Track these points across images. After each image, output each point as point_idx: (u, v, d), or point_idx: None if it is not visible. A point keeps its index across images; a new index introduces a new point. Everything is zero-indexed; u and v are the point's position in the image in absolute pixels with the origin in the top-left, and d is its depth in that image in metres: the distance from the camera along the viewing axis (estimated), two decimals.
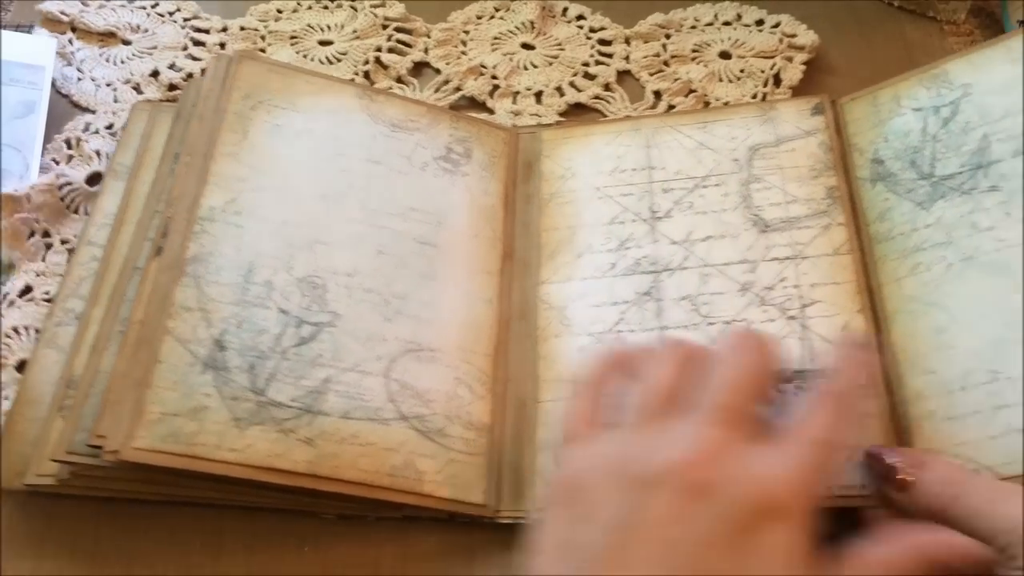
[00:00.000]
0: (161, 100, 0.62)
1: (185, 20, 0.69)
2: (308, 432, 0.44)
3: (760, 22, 0.69)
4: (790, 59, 0.66)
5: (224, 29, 0.69)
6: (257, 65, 0.54)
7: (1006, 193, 0.48)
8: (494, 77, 0.66)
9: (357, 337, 0.47)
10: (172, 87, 0.64)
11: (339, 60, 0.67)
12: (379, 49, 0.67)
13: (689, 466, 0.34)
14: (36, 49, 0.62)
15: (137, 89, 0.64)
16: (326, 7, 0.70)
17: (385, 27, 0.69)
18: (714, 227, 0.53)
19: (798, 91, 0.64)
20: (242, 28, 0.69)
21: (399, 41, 0.68)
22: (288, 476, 0.43)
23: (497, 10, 0.71)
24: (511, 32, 0.70)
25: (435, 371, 0.48)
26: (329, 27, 0.69)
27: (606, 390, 0.41)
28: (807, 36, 0.67)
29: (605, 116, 0.64)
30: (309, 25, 0.69)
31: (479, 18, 0.71)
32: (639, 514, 0.33)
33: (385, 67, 0.67)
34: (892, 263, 0.50)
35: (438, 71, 0.67)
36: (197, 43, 0.68)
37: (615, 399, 0.40)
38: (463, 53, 0.68)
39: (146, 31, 0.68)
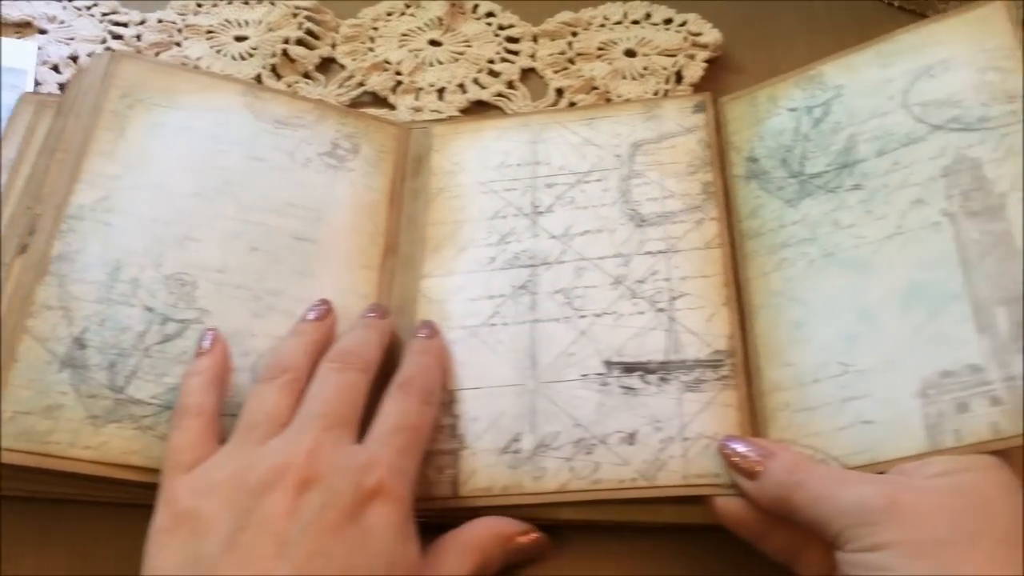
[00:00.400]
0: (49, 93, 0.62)
1: (104, 15, 0.69)
2: (167, 429, 0.44)
3: (668, 21, 0.70)
4: (692, 57, 0.67)
5: (142, 22, 0.69)
6: (137, 64, 0.54)
7: (868, 192, 0.49)
8: (398, 73, 0.67)
9: (224, 333, 0.47)
10: None
11: (251, 55, 0.67)
12: (287, 41, 0.67)
13: (295, 467, 0.38)
14: (16, 53, 0.63)
15: (56, 69, 0.64)
16: (246, 2, 0.70)
17: (296, 15, 0.69)
18: (592, 222, 0.53)
19: (700, 89, 0.64)
20: (160, 21, 0.69)
21: (308, 32, 0.68)
22: (142, 473, 0.43)
23: (408, 6, 0.71)
24: (420, 29, 0.70)
25: None
26: (247, 22, 0.69)
27: (210, 414, 0.43)
28: (711, 35, 0.67)
29: (507, 114, 0.64)
30: (227, 20, 0.69)
31: (389, 15, 0.71)
32: (252, 517, 0.37)
33: (293, 61, 0.67)
34: (760, 258, 0.50)
35: (344, 68, 0.67)
36: (116, 36, 0.68)
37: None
38: (370, 49, 0.68)
39: (62, 22, 0.68)
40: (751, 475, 0.42)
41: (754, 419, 0.45)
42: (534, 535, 0.45)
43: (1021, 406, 0.40)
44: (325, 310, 0.48)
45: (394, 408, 0.43)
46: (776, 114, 0.55)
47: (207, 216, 0.50)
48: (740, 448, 0.43)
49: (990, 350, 0.42)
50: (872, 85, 0.52)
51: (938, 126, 0.49)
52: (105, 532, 0.46)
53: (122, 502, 0.45)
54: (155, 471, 0.43)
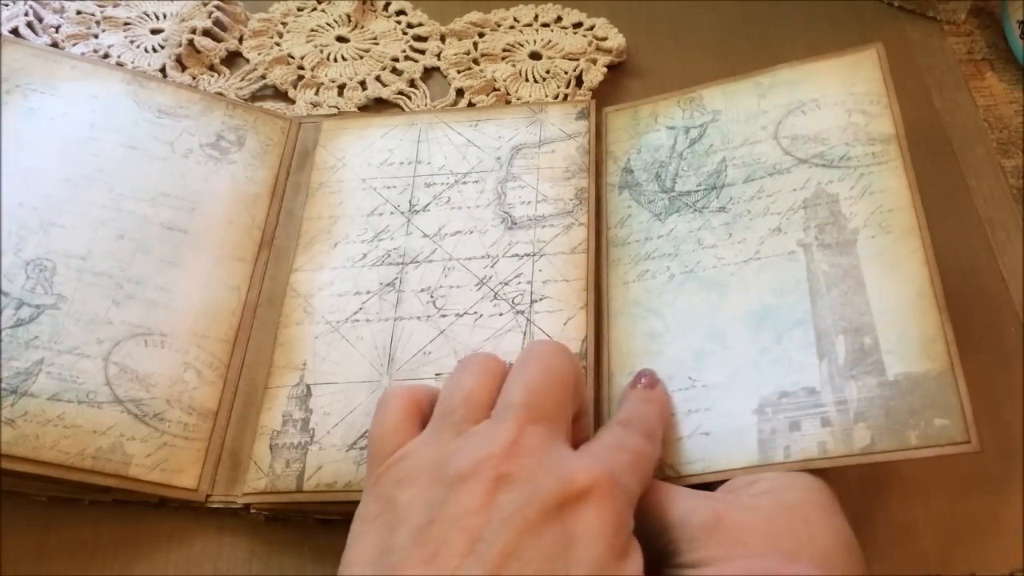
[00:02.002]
0: None
1: (26, 1, 0.69)
2: (10, 413, 0.44)
3: (578, 25, 0.70)
4: (594, 61, 0.67)
5: (62, 12, 0.69)
6: (20, 50, 0.55)
7: (732, 215, 0.50)
8: (300, 68, 0.67)
9: (79, 320, 0.47)
10: None
11: (163, 48, 0.68)
12: (195, 31, 0.67)
13: (493, 460, 0.34)
14: None
15: None
16: None
17: (206, 4, 0.69)
18: (465, 222, 0.54)
19: (599, 94, 0.65)
20: (78, 12, 0.69)
21: (217, 23, 0.68)
22: None
23: (319, 2, 0.71)
24: (329, 25, 0.70)
25: (162, 356, 0.48)
26: (164, 15, 0.69)
27: (410, 397, 0.40)
28: (615, 39, 0.68)
29: (401, 111, 0.65)
30: (145, 13, 0.70)
31: (300, 10, 0.71)
32: (445, 509, 0.33)
33: (199, 52, 0.67)
34: (624, 267, 0.51)
35: (249, 61, 0.68)
36: (37, 17, 0.68)
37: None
38: (277, 44, 0.69)
39: None
40: None
41: (599, 424, 0.46)
42: None
43: (849, 428, 0.42)
44: None
45: (616, 433, 0.40)
46: (655, 130, 0.56)
47: (75, 203, 0.51)
48: None
49: (827, 375, 0.43)
50: (748, 114, 0.54)
51: (803, 160, 0.50)
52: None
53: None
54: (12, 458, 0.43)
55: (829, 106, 0.52)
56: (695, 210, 0.51)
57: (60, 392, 0.46)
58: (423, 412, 0.40)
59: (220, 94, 0.62)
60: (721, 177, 0.52)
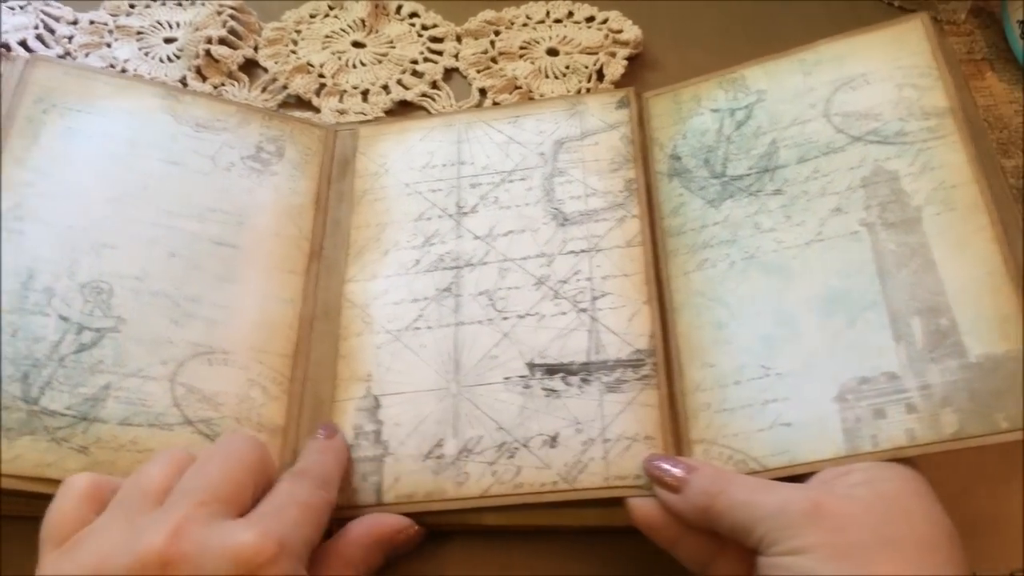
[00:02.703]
0: None
1: (38, 10, 0.68)
2: (83, 440, 0.43)
3: (591, 19, 0.70)
4: (613, 55, 0.67)
5: (75, 22, 0.68)
6: (52, 68, 0.53)
7: (788, 197, 0.50)
8: (321, 76, 0.66)
9: (142, 342, 0.47)
10: None
11: (178, 58, 0.67)
12: (210, 40, 0.66)
13: (162, 548, 0.34)
14: None
15: None
16: (180, 3, 0.70)
17: (220, 13, 0.68)
18: (516, 222, 0.53)
19: (620, 87, 0.65)
20: (92, 22, 0.68)
21: (232, 31, 0.68)
22: (57, 486, 0.42)
23: (331, 8, 0.71)
24: (343, 30, 0.70)
25: (226, 373, 0.48)
26: (178, 24, 0.68)
27: (92, 491, 0.39)
28: (631, 31, 0.68)
29: (431, 114, 0.64)
30: (158, 22, 0.69)
31: (312, 17, 0.71)
32: None
33: (216, 61, 0.66)
34: (682, 257, 0.51)
35: (267, 71, 0.67)
36: (49, 29, 0.67)
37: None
38: (293, 52, 0.68)
39: None
40: (675, 488, 0.42)
41: (675, 419, 0.46)
42: (412, 531, 0.45)
43: (936, 414, 0.41)
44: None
45: (285, 488, 0.40)
46: (699, 113, 0.55)
47: (124, 222, 0.50)
48: (664, 464, 0.43)
49: (906, 359, 0.43)
50: (794, 92, 0.53)
51: (857, 137, 0.50)
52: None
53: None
54: None
55: (878, 81, 0.51)
56: (749, 194, 0.51)
57: (130, 416, 0.45)
58: (104, 500, 0.38)
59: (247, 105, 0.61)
60: (773, 159, 0.51)
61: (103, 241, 0.49)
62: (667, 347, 0.48)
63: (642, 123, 0.56)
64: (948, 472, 0.44)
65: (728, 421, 0.45)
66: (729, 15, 0.70)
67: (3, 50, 0.64)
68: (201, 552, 0.34)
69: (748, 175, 0.52)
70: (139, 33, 0.68)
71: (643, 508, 0.43)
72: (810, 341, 0.45)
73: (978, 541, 0.44)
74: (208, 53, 0.66)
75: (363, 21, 0.70)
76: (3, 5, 0.68)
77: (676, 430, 0.46)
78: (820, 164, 0.50)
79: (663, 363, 0.47)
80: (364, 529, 0.43)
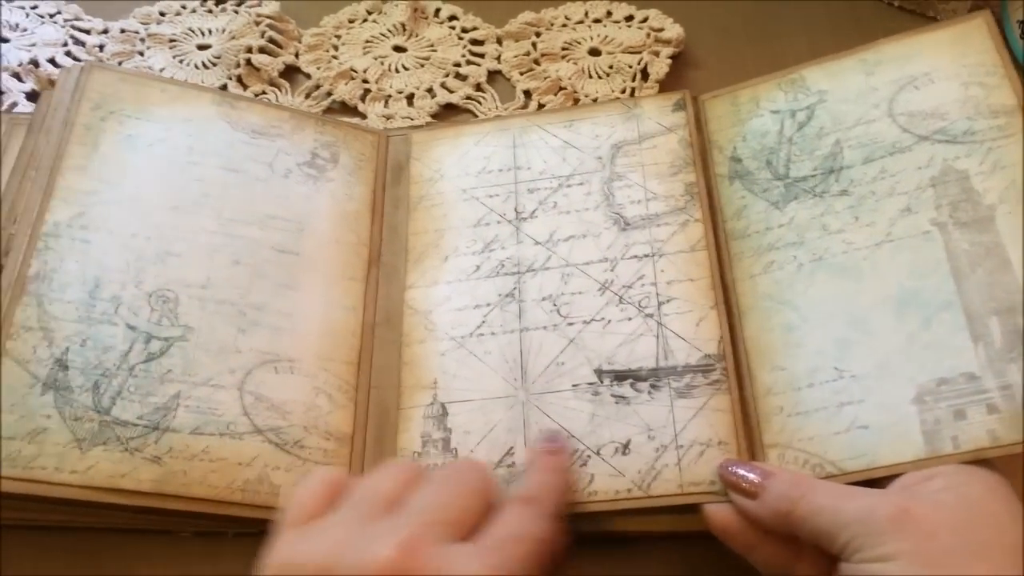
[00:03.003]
0: (21, 111, 0.61)
1: (66, 20, 0.68)
2: (155, 450, 0.43)
3: (630, 18, 0.70)
4: (657, 54, 0.67)
5: (105, 31, 0.68)
6: (108, 75, 0.53)
7: (855, 198, 0.49)
8: (365, 81, 0.66)
9: (209, 350, 0.46)
10: (52, 82, 0.63)
11: (214, 65, 0.66)
12: (250, 50, 0.66)
13: (392, 558, 0.34)
14: None
15: (18, 78, 0.63)
16: (210, 11, 0.69)
17: (258, 24, 0.68)
18: (576, 226, 0.53)
19: (665, 85, 0.65)
20: (122, 31, 0.68)
21: (271, 40, 0.67)
22: (133, 496, 0.42)
23: (369, 13, 0.71)
24: (383, 35, 0.69)
25: (293, 381, 0.47)
26: (210, 31, 0.68)
27: (339, 489, 0.39)
28: (673, 30, 0.68)
29: (476, 117, 0.64)
30: (190, 29, 0.68)
31: (351, 22, 0.70)
32: None
33: (257, 70, 0.66)
34: (747, 260, 0.50)
35: (309, 76, 0.67)
36: (78, 42, 0.67)
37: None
38: (334, 57, 0.68)
39: (25, 30, 0.66)
40: (752, 494, 0.42)
41: (747, 423, 0.45)
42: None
43: (1018, 414, 0.41)
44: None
45: (515, 518, 0.38)
46: (759, 115, 0.55)
47: (186, 230, 0.49)
48: (740, 470, 0.43)
49: (985, 359, 0.42)
50: (856, 92, 0.52)
51: (924, 137, 0.49)
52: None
53: (114, 527, 0.44)
54: (145, 494, 0.42)
55: (943, 79, 0.51)
56: (815, 195, 0.50)
57: (201, 425, 0.44)
58: (339, 497, 0.39)
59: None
60: (838, 160, 0.51)
61: (167, 249, 0.48)
62: (736, 351, 0.48)
63: (699, 125, 0.56)
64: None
65: (802, 425, 0.44)
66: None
67: (31, 67, 0.64)
68: (427, 570, 0.34)
69: (812, 176, 0.51)
70: (172, 41, 0.68)
71: (720, 514, 0.43)
72: (884, 343, 0.45)
73: None
74: (248, 62, 0.66)
75: (403, 25, 0.69)
76: (33, 12, 0.68)
77: (749, 434, 0.45)
78: (887, 164, 0.49)
79: (733, 367, 0.47)
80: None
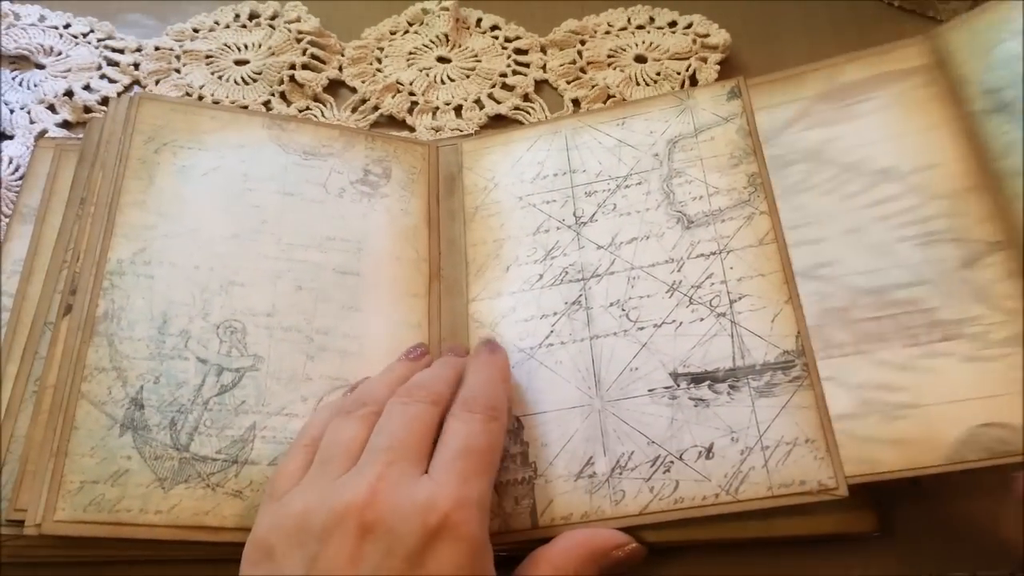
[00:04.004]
0: (69, 134, 0.61)
1: (99, 40, 0.68)
2: (236, 484, 0.43)
3: (673, 24, 0.69)
4: (704, 60, 0.66)
5: (139, 49, 0.68)
6: (158, 105, 0.53)
7: None
8: (412, 94, 0.65)
9: (280, 379, 0.46)
10: (87, 109, 0.63)
11: (254, 80, 0.66)
12: (293, 66, 0.66)
13: (356, 509, 0.37)
14: None
15: (52, 109, 0.63)
16: (244, 26, 0.69)
17: (299, 40, 0.68)
18: (639, 228, 0.52)
19: None
20: (157, 48, 0.68)
21: (313, 56, 0.67)
22: (217, 532, 0.42)
23: (411, 24, 0.70)
24: (426, 46, 0.69)
25: None
26: (246, 46, 0.68)
27: (311, 453, 0.42)
28: (719, 35, 0.66)
29: (532, 123, 0.63)
30: (226, 44, 0.68)
31: (392, 34, 0.70)
32: (319, 564, 0.36)
33: (300, 85, 0.66)
34: None
35: (354, 90, 0.66)
36: (112, 63, 0.67)
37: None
38: (378, 70, 0.67)
39: (59, 54, 0.66)
40: None
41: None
42: (632, 547, 0.43)
43: None
44: (421, 351, 0.48)
45: (458, 429, 0.41)
46: (1007, 40, 0.49)
47: (248, 258, 0.49)
48: None
49: None
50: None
51: None
52: None
53: (196, 559, 0.44)
54: (230, 530, 0.42)
55: None
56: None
57: (279, 456, 0.44)
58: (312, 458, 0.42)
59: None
60: None
61: (230, 279, 0.48)
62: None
63: (943, 63, 0.51)
64: None
65: None
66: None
67: (66, 98, 0.63)
68: (393, 515, 0.37)
69: None
70: (208, 57, 0.68)
71: None
72: None
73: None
74: (292, 78, 0.66)
75: (445, 36, 0.69)
76: (66, 32, 0.68)
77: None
78: None
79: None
80: (580, 540, 0.43)
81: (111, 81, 0.65)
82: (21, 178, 0.57)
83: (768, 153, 0.52)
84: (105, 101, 0.63)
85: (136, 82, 0.66)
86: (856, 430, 0.43)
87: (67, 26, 0.68)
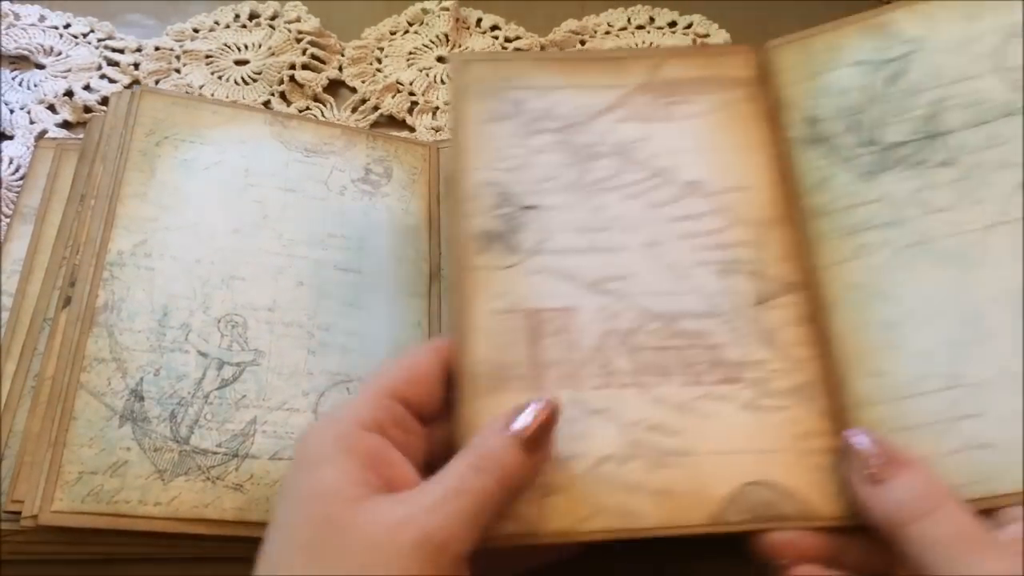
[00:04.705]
0: (69, 134, 0.61)
1: (99, 40, 0.67)
2: (237, 478, 0.42)
3: (673, 24, 0.69)
4: None
5: (139, 49, 0.67)
6: (160, 99, 0.53)
7: (960, 170, 0.43)
8: (412, 94, 0.66)
9: (281, 374, 0.46)
10: (87, 109, 0.63)
11: (254, 80, 0.66)
12: (293, 66, 0.66)
13: None
14: None
15: (52, 109, 0.62)
16: (244, 26, 0.69)
17: (299, 40, 0.68)
18: None
19: None
20: (157, 48, 0.67)
21: (313, 57, 0.67)
22: (217, 526, 0.41)
23: (411, 24, 0.70)
24: (426, 46, 0.69)
25: None
26: (246, 46, 0.68)
27: None
28: (719, 36, 0.67)
29: None
30: (226, 44, 0.68)
31: (392, 34, 0.70)
32: None
33: (300, 85, 0.66)
34: (833, 242, 0.44)
35: (354, 90, 0.66)
36: (112, 63, 0.66)
37: None
38: (378, 71, 0.67)
39: (59, 54, 0.66)
40: (871, 480, 0.36)
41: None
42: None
43: None
44: None
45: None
46: (839, 67, 0.47)
47: (250, 253, 0.49)
48: (862, 446, 0.37)
49: None
50: (957, 41, 0.45)
51: None
52: None
53: (196, 557, 0.43)
54: (230, 523, 0.41)
55: None
56: (910, 166, 0.43)
57: (280, 450, 0.44)
58: None
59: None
60: (937, 123, 0.44)
61: (232, 273, 0.48)
62: (824, 353, 0.41)
63: (766, 80, 0.48)
64: None
65: (908, 441, 0.38)
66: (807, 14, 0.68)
67: (66, 98, 0.63)
68: None
69: (909, 142, 0.44)
70: (208, 57, 0.67)
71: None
72: (1006, 344, 0.39)
73: None
74: (292, 78, 0.65)
75: (445, 36, 0.69)
76: (66, 32, 0.68)
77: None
78: (996, 129, 0.42)
79: (820, 372, 0.41)
80: None
81: (111, 81, 0.65)
82: (21, 178, 0.56)
83: (575, 140, 0.46)
84: (105, 101, 0.63)
85: (136, 82, 0.65)
86: (619, 475, 0.39)
87: (67, 26, 0.68)
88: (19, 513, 0.40)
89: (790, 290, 0.42)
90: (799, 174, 0.45)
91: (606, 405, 0.40)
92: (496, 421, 0.36)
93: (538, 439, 0.36)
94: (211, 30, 0.70)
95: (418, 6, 0.70)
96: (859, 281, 0.42)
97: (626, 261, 0.43)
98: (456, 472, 0.34)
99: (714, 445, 0.39)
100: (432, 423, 0.39)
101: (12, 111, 0.62)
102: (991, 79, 0.44)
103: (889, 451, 0.37)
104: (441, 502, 0.33)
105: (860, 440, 0.37)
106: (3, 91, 0.63)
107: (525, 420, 0.36)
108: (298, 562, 0.31)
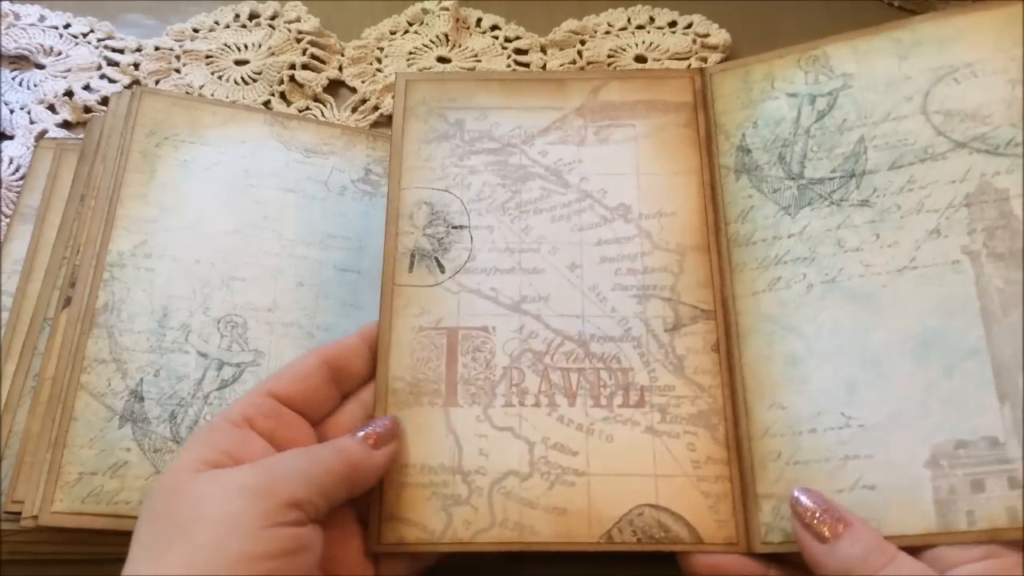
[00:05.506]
0: (69, 134, 0.61)
1: (99, 40, 0.67)
2: None
3: (673, 24, 0.69)
4: (704, 60, 0.66)
5: (139, 49, 0.67)
6: (160, 99, 0.53)
7: (877, 211, 0.43)
8: None
9: None
10: (87, 109, 0.63)
11: (254, 80, 0.66)
12: (293, 66, 0.66)
13: None
14: None
15: (52, 109, 0.62)
16: (244, 26, 0.69)
17: (299, 40, 0.68)
18: None
19: None
20: (156, 48, 0.67)
21: (313, 56, 0.67)
22: None
23: (411, 24, 0.70)
24: (426, 46, 0.69)
25: None
26: (246, 46, 0.68)
27: None
28: (719, 36, 0.67)
29: None
30: (226, 44, 0.68)
31: (392, 33, 0.70)
32: None
33: (300, 85, 0.65)
34: (751, 273, 0.44)
35: (354, 90, 0.66)
36: (112, 63, 0.66)
37: None
38: (378, 70, 0.67)
39: (59, 54, 0.66)
40: (821, 538, 0.37)
41: (741, 466, 0.41)
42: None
43: None
44: None
45: None
46: (773, 97, 0.47)
47: (250, 253, 0.49)
48: (810, 505, 0.38)
49: (1011, 422, 0.37)
50: (887, 79, 0.45)
51: (961, 143, 0.42)
52: None
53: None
54: None
55: (987, 74, 0.43)
56: (831, 203, 0.43)
57: None
58: None
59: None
60: (860, 161, 0.44)
61: (231, 274, 0.48)
62: (732, 380, 0.43)
63: (705, 103, 0.49)
64: None
65: (801, 475, 0.39)
66: (807, 14, 0.69)
67: (65, 98, 0.63)
68: None
69: (831, 178, 0.44)
70: (208, 57, 0.67)
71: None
72: (900, 389, 0.39)
73: None
74: (292, 78, 0.65)
75: (445, 36, 0.69)
76: (66, 32, 0.68)
77: (743, 479, 0.41)
78: (916, 172, 0.42)
79: (728, 398, 0.42)
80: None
81: (111, 81, 0.65)
82: (22, 178, 0.56)
83: (510, 161, 0.48)
84: (105, 101, 0.63)
85: (136, 82, 0.65)
86: (520, 491, 0.41)
87: (67, 26, 0.68)
88: (19, 513, 0.40)
89: (703, 318, 0.44)
90: (727, 202, 0.46)
91: (513, 423, 0.42)
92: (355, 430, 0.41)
93: (382, 441, 0.40)
94: (211, 30, 0.70)
95: (418, 6, 0.70)
96: (772, 313, 0.43)
97: (547, 282, 0.45)
98: (310, 446, 0.39)
99: (613, 466, 0.41)
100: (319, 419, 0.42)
101: (12, 111, 0.62)
102: (915, 120, 0.44)
103: (832, 509, 0.38)
104: (278, 460, 0.37)
105: (803, 498, 0.38)
106: (3, 91, 0.63)
107: (373, 427, 0.41)
108: (145, 530, 0.34)
